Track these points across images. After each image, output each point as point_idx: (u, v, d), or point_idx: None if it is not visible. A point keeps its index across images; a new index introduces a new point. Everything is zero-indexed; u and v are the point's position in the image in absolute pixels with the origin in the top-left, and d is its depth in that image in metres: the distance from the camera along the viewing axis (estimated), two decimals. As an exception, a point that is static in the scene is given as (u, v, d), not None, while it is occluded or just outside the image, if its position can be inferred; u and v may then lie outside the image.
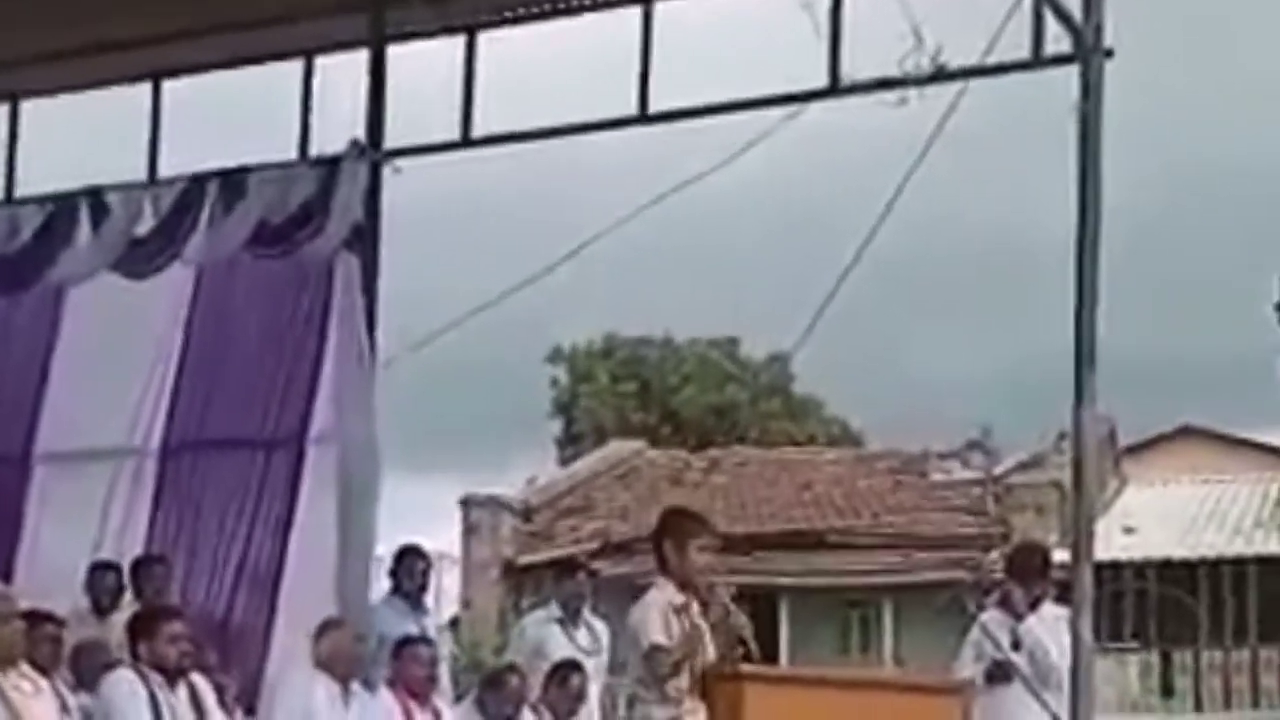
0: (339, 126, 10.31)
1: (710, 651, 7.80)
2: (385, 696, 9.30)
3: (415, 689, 9.39)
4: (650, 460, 34.77)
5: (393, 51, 10.34)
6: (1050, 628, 9.21)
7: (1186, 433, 33.93)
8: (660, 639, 7.59)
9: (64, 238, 10.79)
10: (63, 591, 10.03)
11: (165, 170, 10.80)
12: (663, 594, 7.73)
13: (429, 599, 10.94)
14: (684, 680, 7.68)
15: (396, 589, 10.37)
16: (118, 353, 10.81)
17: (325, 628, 9.20)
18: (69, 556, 10.56)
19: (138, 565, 10.30)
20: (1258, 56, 38.48)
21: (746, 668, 7.84)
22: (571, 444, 39.73)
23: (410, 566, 10.39)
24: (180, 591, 10.24)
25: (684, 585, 7.75)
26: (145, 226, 10.58)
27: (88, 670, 9.06)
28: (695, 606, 7.74)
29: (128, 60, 10.64)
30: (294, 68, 10.55)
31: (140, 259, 10.56)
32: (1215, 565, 29.19)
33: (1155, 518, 30.37)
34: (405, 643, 9.62)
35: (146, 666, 8.44)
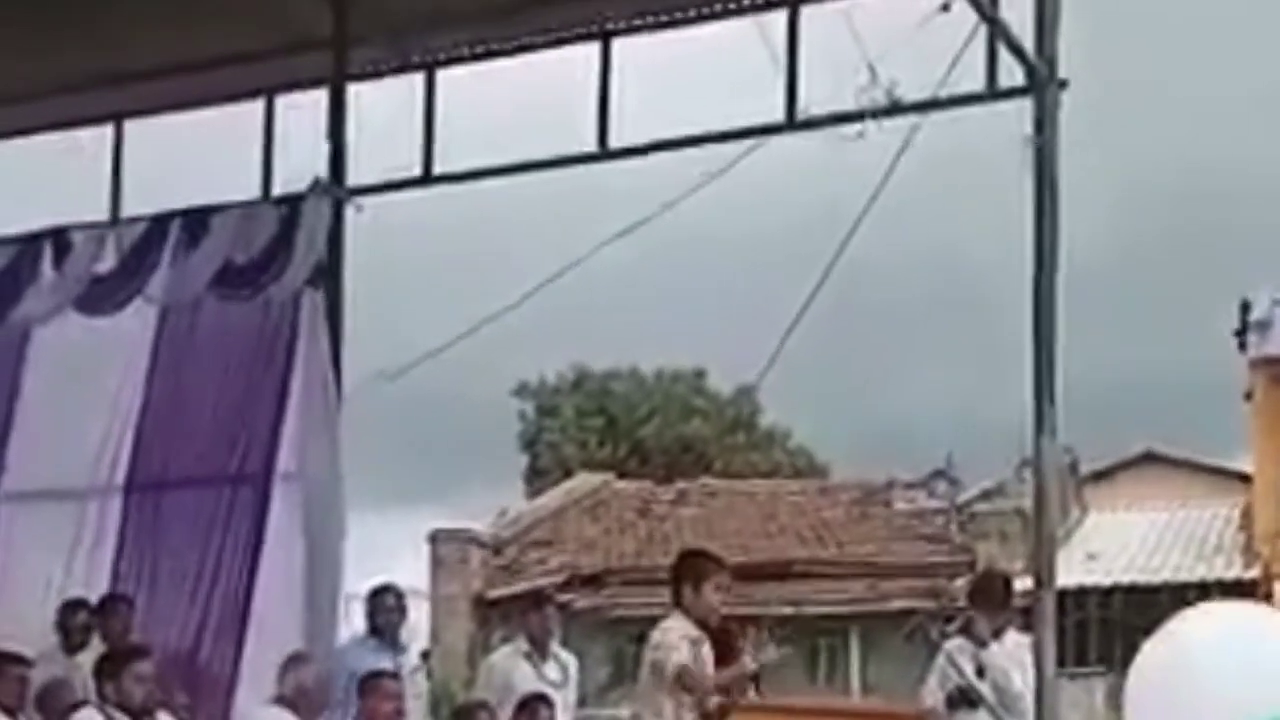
0: (301, 165, 10.35)
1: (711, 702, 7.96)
2: (353, 734, 9.29)
3: (384, 726, 9.36)
4: (617, 492, 34.78)
5: (353, 90, 10.38)
6: (1013, 655, 9.26)
7: (1149, 459, 34.07)
8: (687, 661, 7.81)
9: (29, 277, 10.79)
10: (30, 630, 10.01)
11: (128, 210, 10.82)
12: (681, 627, 7.98)
13: (404, 637, 10.93)
14: (690, 708, 7.84)
15: (372, 627, 10.36)
16: (82, 392, 10.81)
17: (290, 664, 9.18)
18: (35, 597, 10.54)
19: (103, 604, 10.29)
20: (1215, 83, 38.79)
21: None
22: (538, 477, 39.70)
23: (383, 604, 10.38)
24: (147, 630, 10.21)
25: (700, 623, 7.97)
26: (107, 265, 10.59)
27: (54, 710, 9.05)
28: (707, 645, 7.96)
29: (89, 101, 10.67)
30: (255, 107, 10.58)
31: (102, 296, 10.58)
32: (1179, 590, 29.29)
33: (1118, 544, 30.50)
34: (371, 677, 9.60)
35: (113, 707, 8.43)
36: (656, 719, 7.95)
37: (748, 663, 8.00)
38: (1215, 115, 39.92)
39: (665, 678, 7.89)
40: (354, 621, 10.42)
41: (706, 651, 7.95)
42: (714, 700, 7.96)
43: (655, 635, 8.08)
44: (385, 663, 9.98)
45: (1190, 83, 39.48)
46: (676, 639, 7.96)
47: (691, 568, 8.30)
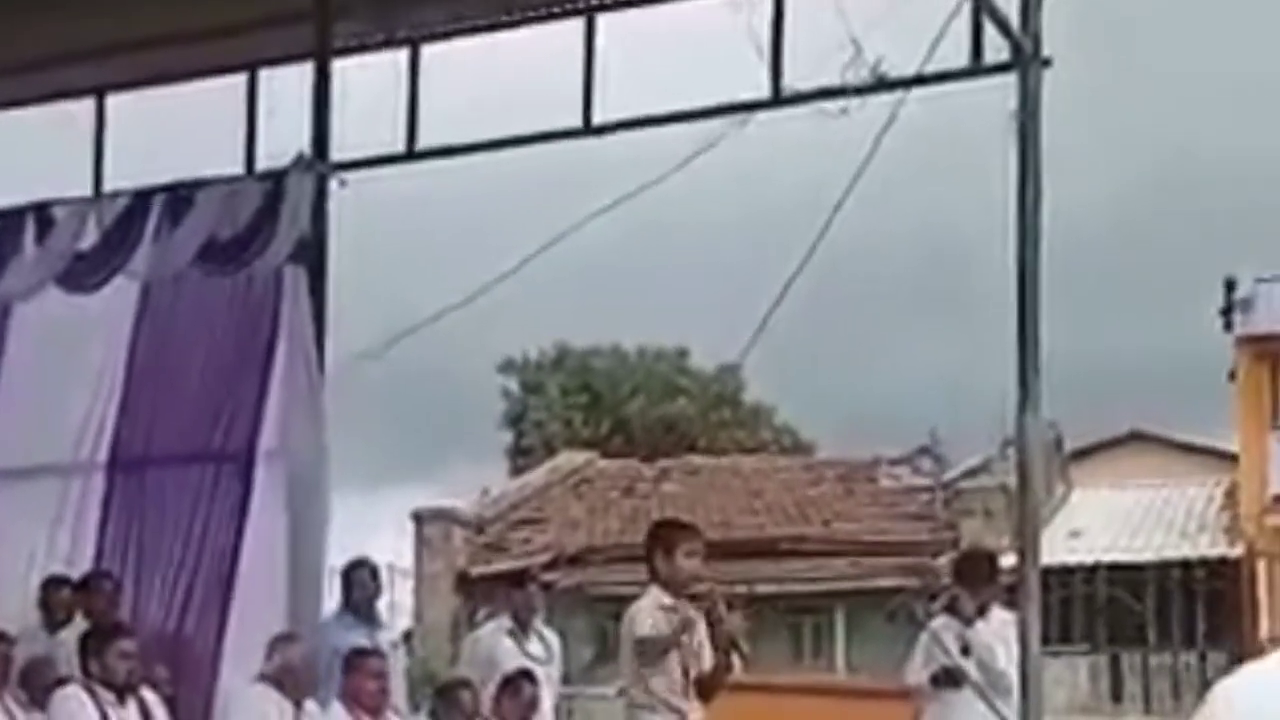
0: (284, 140, 10.31)
1: (706, 658, 7.92)
2: (337, 711, 9.26)
3: (367, 702, 9.34)
4: (601, 470, 34.80)
5: (338, 65, 10.34)
6: (998, 632, 9.27)
7: (1133, 438, 34.15)
8: (647, 633, 7.76)
9: (10, 252, 10.75)
10: (12, 608, 9.99)
11: (111, 186, 10.77)
12: (653, 597, 7.92)
13: (381, 612, 10.93)
14: (677, 679, 7.80)
15: (348, 603, 10.36)
16: (65, 368, 10.77)
17: (277, 643, 9.16)
18: (18, 573, 10.51)
19: (86, 581, 10.27)
20: (1201, 62, 38.80)
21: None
22: (522, 455, 39.71)
23: (360, 579, 10.38)
24: (130, 607, 10.20)
25: (675, 591, 7.92)
26: (89, 241, 10.54)
27: (38, 687, 9.03)
28: (687, 611, 7.90)
29: (71, 75, 10.62)
30: (239, 81, 10.54)
31: (85, 273, 10.53)
32: (1163, 568, 29.39)
33: (1103, 521, 30.56)
34: (355, 655, 9.59)
35: (96, 683, 8.42)
36: (644, 694, 7.93)
37: (696, 624, 7.88)
38: (1201, 95, 39.95)
39: (630, 654, 7.87)
40: (332, 597, 10.42)
41: (690, 617, 7.87)
42: (706, 665, 7.89)
43: (626, 615, 8.02)
44: (363, 639, 9.98)
45: (1176, 62, 39.50)
46: (645, 613, 7.91)
47: (662, 537, 8.23)
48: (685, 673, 7.87)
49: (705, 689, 7.89)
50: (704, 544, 8.17)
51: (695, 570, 8.01)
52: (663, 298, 41.50)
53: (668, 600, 7.92)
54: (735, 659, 8.00)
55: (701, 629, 7.92)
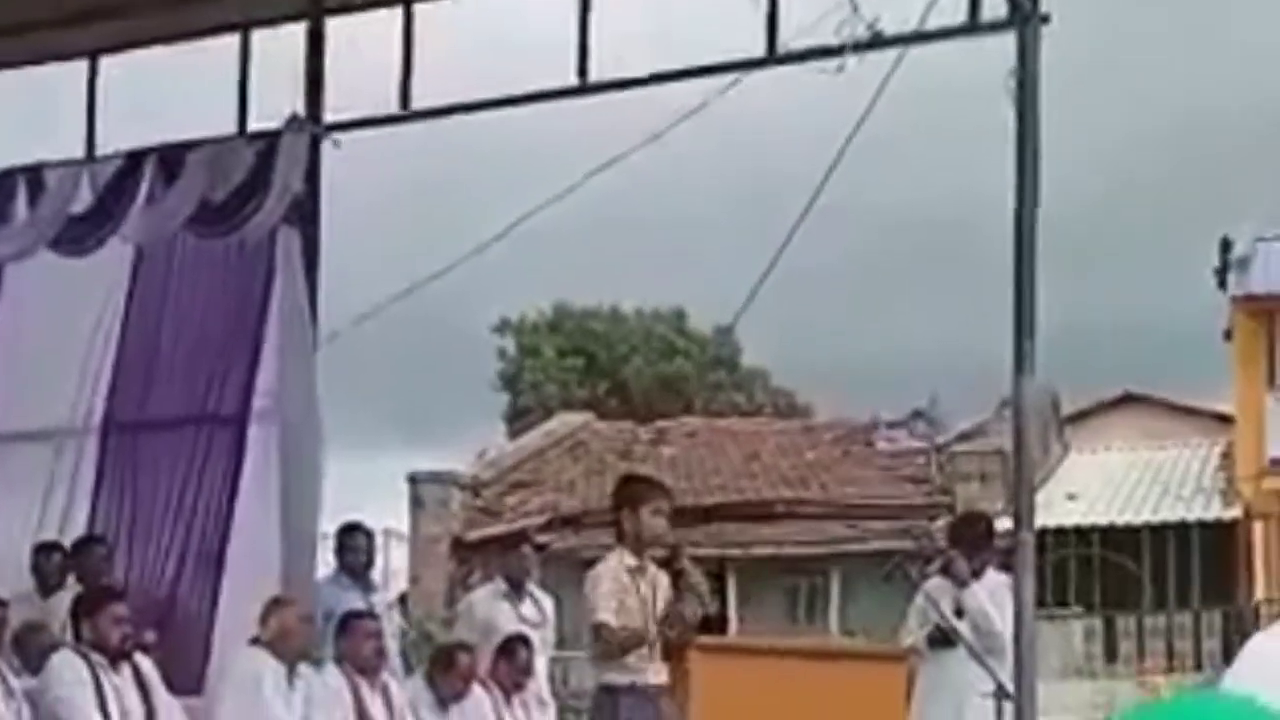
0: (277, 101, 10.24)
1: (687, 612, 7.83)
2: (333, 674, 9.26)
3: (363, 665, 9.35)
4: (598, 432, 34.78)
5: (330, 24, 10.27)
6: (993, 595, 9.26)
7: (1129, 400, 34.12)
8: (606, 617, 7.64)
9: (1, 216, 10.68)
10: (5, 573, 9.96)
11: (103, 147, 10.70)
12: (616, 562, 7.80)
13: (375, 575, 10.92)
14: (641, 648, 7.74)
15: (341, 566, 10.35)
16: (57, 332, 10.72)
17: (272, 607, 9.14)
18: (11, 538, 10.48)
19: (79, 546, 10.24)
20: (1200, 24, 38.70)
21: (695, 639, 7.89)
22: (519, 417, 39.69)
23: (353, 542, 10.37)
24: (124, 572, 10.18)
25: (639, 550, 7.83)
26: (82, 204, 10.48)
27: (31, 652, 9.01)
28: (652, 569, 7.81)
29: (64, 37, 10.54)
30: (231, 42, 10.45)
31: (78, 236, 10.47)
32: (1158, 530, 29.40)
33: (1098, 484, 30.57)
34: (351, 618, 9.59)
35: (89, 648, 8.40)
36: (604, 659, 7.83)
37: (661, 589, 7.79)
38: (1200, 57, 39.85)
39: (591, 627, 7.76)
40: (326, 560, 10.40)
41: (654, 577, 7.78)
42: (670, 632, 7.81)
43: (587, 583, 7.87)
44: (357, 601, 9.97)
45: (1174, 20, 39.37)
46: (603, 588, 7.74)
47: (628, 494, 8.07)
48: (650, 632, 7.77)
49: (668, 647, 7.81)
50: (671, 503, 8.06)
51: (661, 530, 7.88)
52: (660, 259, 41.49)
53: (632, 561, 7.80)
54: (696, 611, 7.89)
55: (665, 586, 7.82)
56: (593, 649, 7.87)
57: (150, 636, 9.11)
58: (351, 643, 9.39)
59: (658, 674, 7.76)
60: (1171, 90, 40.85)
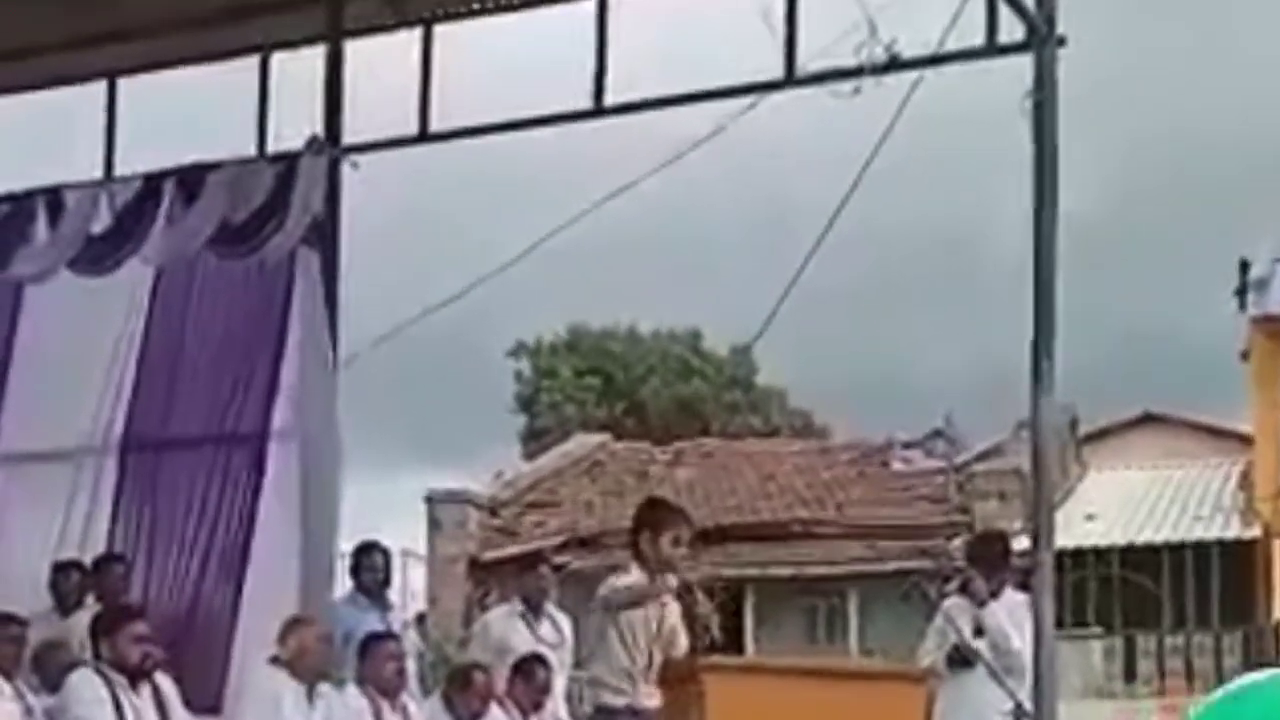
0: (296, 123, 10.28)
1: (681, 644, 7.90)
2: (353, 695, 9.26)
3: (384, 687, 9.34)
4: (615, 453, 34.78)
5: (350, 46, 10.31)
6: (1012, 614, 9.25)
7: (1148, 419, 34.06)
8: (621, 586, 7.76)
9: (21, 236, 10.73)
10: (25, 592, 9.99)
11: (122, 169, 10.75)
12: (631, 576, 7.87)
13: (391, 595, 10.93)
14: (640, 660, 7.77)
15: (358, 586, 10.36)
16: (77, 351, 10.76)
17: (291, 626, 9.15)
18: (31, 557, 10.51)
19: (98, 564, 10.27)
20: (1217, 41, 38.68)
21: (710, 659, 7.92)
22: (535, 438, 39.70)
23: (370, 562, 10.38)
24: (143, 590, 10.20)
25: (653, 575, 7.87)
26: (102, 224, 10.52)
27: (50, 671, 9.03)
28: (665, 596, 7.86)
29: (83, 59, 10.59)
30: (250, 64, 10.51)
31: (97, 257, 10.51)
32: (1177, 550, 29.33)
33: (1117, 503, 30.51)
34: (373, 639, 9.59)
35: (109, 667, 8.41)
36: (610, 668, 7.88)
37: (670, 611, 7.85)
38: (1217, 74, 39.81)
39: (615, 605, 7.82)
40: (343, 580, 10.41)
41: (665, 603, 7.86)
42: (679, 650, 7.88)
43: (607, 580, 8.03)
44: (375, 622, 9.98)
45: (1192, 40, 39.37)
46: (620, 582, 7.89)
47: (650, 519, 8.16)
48: (649, 655, 7.84)
49: (668, 675, 7.86)
50: (692, 531, 8.15)
51: (677, 558, 7.97)
52: (677, 280, 41.51)
53: (643, 580, 7.90)
54: (686, 644, 7.99)
55: (675, 613, 7.88)
56: (601, 627, 7.91)
57: (159, 654, 9.12)
58: (373, 664, 9.39)
59: (650, 697, 7.82)
60: (1189, 108, 40.83)
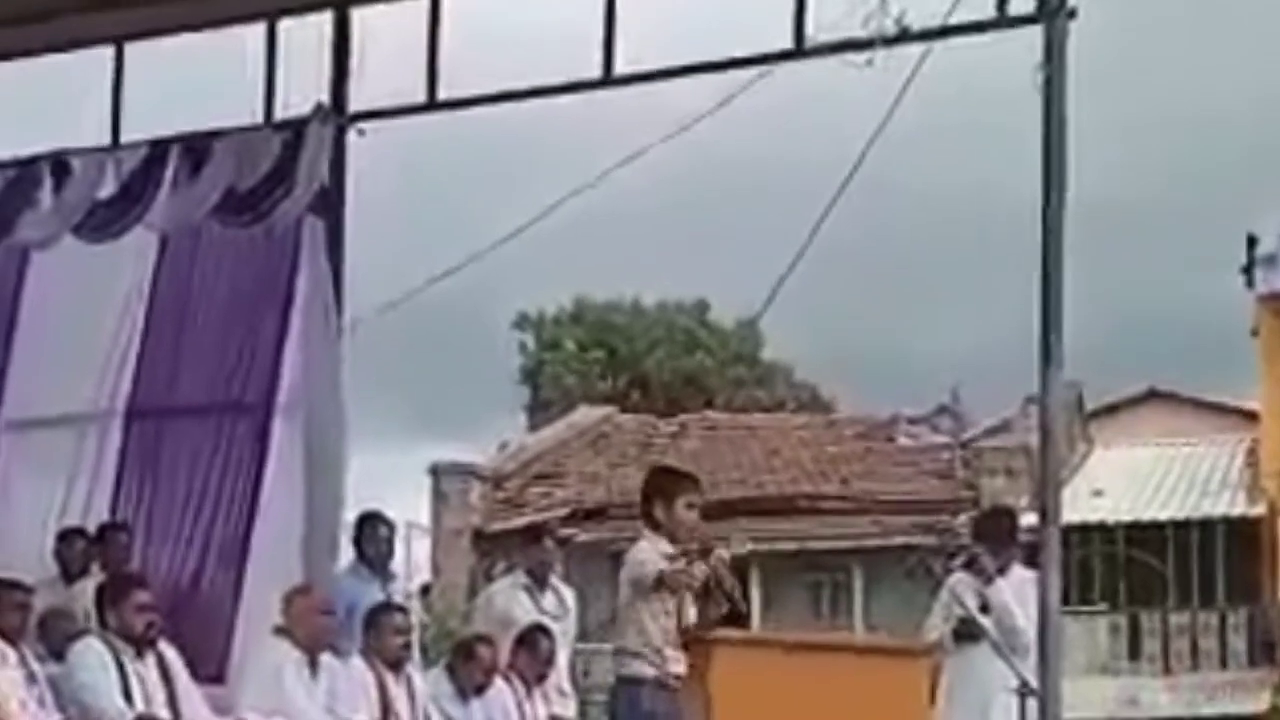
0: (303, 90, 10.23)
1: (691, 613, 7.88)
2: (358, 666, 9.25)
3: (390, 659, 9.33)
4: (619, 426, 34.80)
5: (357, 14, 10.26)
6: (1018, 591, 9.22)
7: (1154, 396, 34.05)
8: (651, 569, 7.73)
9: (26, 202, 10.70)
10: (29, 559, 9.98)
11: (128, 135, 10.71)
12: (652, 543, 7.85)
13: (394, 566, 10.90)
14: (670, 626, 7.77)
15: (360, 557, 10.33)
16: (82, 318, 10.74)
17: (294, 596, 9.14)
18: (35, 524, 10.51)
19: (102, 532, 10.26)
20: (1225, 13, 38.54)
21: (715, 633, 7.89)
22: (540, 410, 39.70)
23: (373, 533, 10.35)
24: (146, 559, 10.19)
25: (673, 541, 7.86)
26: (107, 190, 10.49)
27: (56, 639, 9.02)
28: (684, 561, 7.84)
29: (90, 24, 10.54)
30: (257, 31, 10.45)
31: (103, 223, 10.48)
32: (1183, 527, 29.34)
33: (1123, 480, 30.51)
34: (380, 611, 9.56)
35: (114, 635, 8.40)
36: (635, 637, 7.86)
37: (701, 570, 7.81)
38: (1228, 49, 39.68)
39: (646, 588, 7.79)
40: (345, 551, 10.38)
41: (691, 569, 7.83)
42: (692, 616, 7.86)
43: (630, 554, 7.94)
44: (377, 593, 9.96)
45: (1202, 15, 39.21)
46: (646, 553, 7.84)
47: (661, 485, 8.10)
48: (679, 621, 7.83)
49: (686, 639, 7.86)
50: (702, 496, 8.10)
51: (694, 522, 7.93)
52: (683, 252, 41.46)
53: (668, 549, 7.86)
54: (721, 610, 7.94)
55: (698, 578, 7.84)
56: (630, 600, 7.87)
57: (160, 622, 9.10)
58: (379, 636, 9.37)
59: (678, 663, 7.81)
60: (1199, 83, 40.71)
